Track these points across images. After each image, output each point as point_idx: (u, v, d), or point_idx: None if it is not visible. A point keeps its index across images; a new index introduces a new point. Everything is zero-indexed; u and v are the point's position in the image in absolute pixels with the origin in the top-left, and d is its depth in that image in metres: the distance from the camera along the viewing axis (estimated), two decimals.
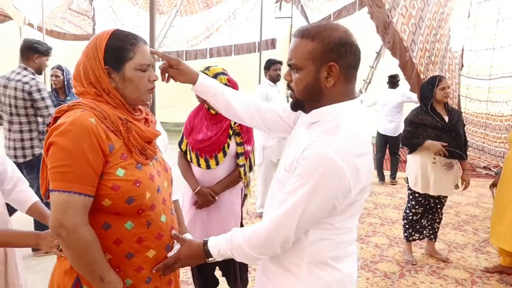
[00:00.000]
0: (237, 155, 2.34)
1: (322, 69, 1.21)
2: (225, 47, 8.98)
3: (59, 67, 4.19)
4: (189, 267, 2.68)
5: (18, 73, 3.47)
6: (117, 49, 1.26)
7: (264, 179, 4.54)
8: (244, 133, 2.34)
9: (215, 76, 2.21)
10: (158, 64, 1.64)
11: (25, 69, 3.50)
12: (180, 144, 2.44)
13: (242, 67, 8.03)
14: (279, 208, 1.20)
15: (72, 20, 11.17)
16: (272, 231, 1.20)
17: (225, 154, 2.29)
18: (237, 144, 2.33)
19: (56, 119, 1.26)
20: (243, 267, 2.50)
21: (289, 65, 1.27)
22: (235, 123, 2.29)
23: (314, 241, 1.25)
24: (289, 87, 1.31)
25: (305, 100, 1.27)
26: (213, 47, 9.02)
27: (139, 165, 1.28)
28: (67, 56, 9.44)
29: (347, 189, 1.17)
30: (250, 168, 2.39)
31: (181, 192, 2.33)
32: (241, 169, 2.34)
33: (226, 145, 2.29)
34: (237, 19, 8.84)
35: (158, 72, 1.52)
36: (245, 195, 2.49)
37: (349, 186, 1.17)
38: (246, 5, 8.71)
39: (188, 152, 2.37)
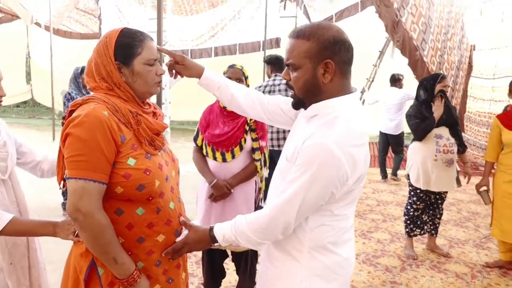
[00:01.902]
0: (253, 150, 2.43)
1: (319, 66, 1.28)
2: (230, 46, 9.02)
3: None
4: (201, 259, 2.76)
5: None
6: (126, 45, 1.35)
7: None
8: (259, 129, 2.45)
9: None
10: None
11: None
12: (195, 139, 2.53)
13: (246, 66, 8.12)
14: (281, 196, 1.27)
15: (78, 19, 11.30)
16: (274, 217, 1.28)
17: (241, 148, 2.39)
18: (253, 140, 2.43)
19: (71, 112, 1.34)
20: (254, 259, 2.59)
21: (287, 65, 1.34)
22: (251, 119, 2.39)
23: (314, 227, 1.32)
24: (289, 86, 1.38)
25: (305, 97, 1.34)
26: (218, 46, 9.07)
27: (149, 155, 1.36)
28: (80, 53, 9.57)
29: (345, 178, 1.24)
30: (265, 163, 2.47)
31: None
32: (257, 164, 2.43)
33: (243, 140, 2.39)
34: (242, 18, 8.92)
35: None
36: (260, 189, 2.56)
37: (346, 175, 1.24)
38: (251, 4, 8.78)
39: (204, 147, 2.46)
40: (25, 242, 1.70)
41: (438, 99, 3.46)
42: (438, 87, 3.49)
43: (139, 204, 1.33)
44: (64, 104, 4.34)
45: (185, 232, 1.44)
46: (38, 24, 9.95)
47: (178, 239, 1.42)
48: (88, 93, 4.39)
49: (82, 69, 4.36)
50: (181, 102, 9.30)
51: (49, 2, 8.92)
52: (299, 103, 1.37)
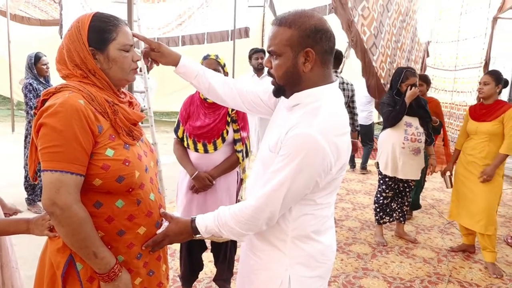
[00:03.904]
0: (235, 141, 2.41)
1: (300, 55, 1.27)
2: (198, 35, 8.90)
3: (44, 55, 4.16)
4: (175, 251, 2.71)
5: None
6: (100, 30, 1.29)
7: None
8: (240, 120, 2.41)
9: None
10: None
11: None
12: (176, 131, 2.47)
13: None
14: (265, 186, 1.26)
15: (37, 4, 10.77)
16: (259, 208, 1.26)
17: (223, 140, 2.36)
18: (234, 131, 2.40)
19: (43, 101, 1.27)
20: (233, 250, 2.58)
21: (269, 52, 1.33)
22: (232, 110, 2.36)
23: (297, 217, 1.32)
24: (269, 73, 1.37)
25: (286, 85, 1.33)
26: (186, 34, 8.93)
27: (127, 145, 1.31)
28: (40, 41, 9.12)
29: (329, 167, 1.25)
30: (247, 154, 2.46)
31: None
32: (239, 155, 2.41)
33: (225, 132, 2.35)
34: (210, 7, 8.79)
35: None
36: (241, 180, 2.56)
37: (330, 164, 1.24)
38: None
39: (185, 139, 2.41)
40: None
41: (410, 88, 3.55)
42: (403, 87, 3.60)
43: (119, 196, 1.28)
44: (26, 95, 4.06)
45: (165, 224, 1.41)
46: None
47: (159, 231, 1.38)
48: (47, 82, 4.17)
49: (36, 57, 4.09)
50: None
51: None
52: (280, 91, 1.36)
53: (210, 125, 2.33)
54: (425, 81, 4.44)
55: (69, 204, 1.17)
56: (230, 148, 2.42)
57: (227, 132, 2.36)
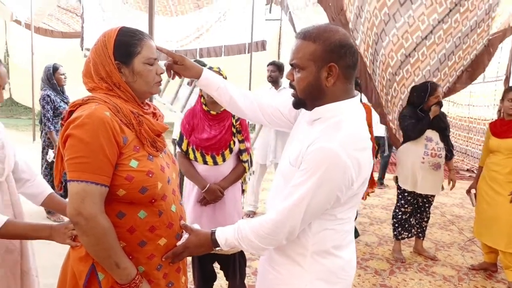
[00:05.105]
0: (240, 152, 2.44)
1: (323, 69, 1.27)
2: (215, 47, 8.99)
3: (60, 65, 4.25)
4: (191, 262, 2.71)
5: None
6: (126, 44, 1.32)
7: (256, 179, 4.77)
8: (244, 131, 2.46)
9: None
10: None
11: None
12: (180, 144, 2.46)
13: (232, 68, 8.06)
14: (286, 200, 1.26)
15: (60, 17, 11.09)
16: (279, 222, 1.26)
17: (231, 151, 2.38)
18: (239, 142, 2.44)
19: (70, 113, 1.30)
20: (243, 262, 2.57)
21: (292, 65, 1.33)
22: (236, 121, 2.40)
23: (317, 232, 1.31)
24: (291, 86, 1.37)
25: (307, 98, 1.33)
26: (203, 47, 9.03)
27: (151, 156, 1.33)
28: (63, 53, 9.36)
29: (350, 181, 1.24)
30: (251, 164, 2.49)
31: None
32: (245, 165, 2.45)
33: (232, 143, 2.38)
34: (227, 20, 8.89)
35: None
36: (243, 191, 2.59)
37: (351, 179, 1.24)
38: (237, 6, 8.76)
39: (191, 152, 2.41)
40: (18, 248, 1.63)
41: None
42: (432, 100, 3.55)
43: (141, 207, 1.30)
44: (43, 107, 4.11)
45: (185, 235, 1.41)
46: (18, 21, 9.72)
47: (179, 243, 1.39)
48: (63, 93, 4.25)
49: (54, 68, 4.16)
50: None
51: None
52: (300, 103, 1.36)
53: (217, 136, 2.35)
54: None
55: (94, 214, 1.19)
56: (235, 159, 2.45)
57: (234, 143, 2.40)
